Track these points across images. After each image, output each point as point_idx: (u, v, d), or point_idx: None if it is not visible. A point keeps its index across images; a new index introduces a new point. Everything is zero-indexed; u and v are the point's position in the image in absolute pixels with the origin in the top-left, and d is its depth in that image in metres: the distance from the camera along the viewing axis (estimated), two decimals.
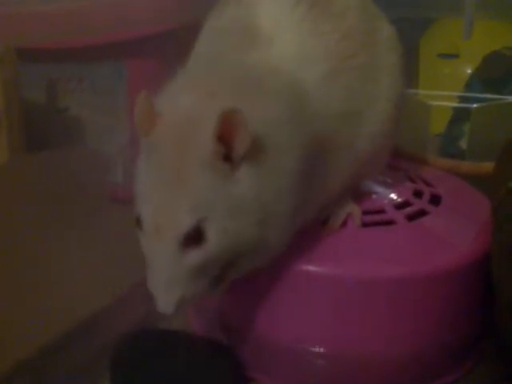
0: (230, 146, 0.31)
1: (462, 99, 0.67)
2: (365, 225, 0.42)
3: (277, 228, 0.35)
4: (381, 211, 0.43)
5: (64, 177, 0.45)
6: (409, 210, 0.43)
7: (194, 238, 0.31)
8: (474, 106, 0.60)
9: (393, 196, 0.45)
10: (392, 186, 0.46)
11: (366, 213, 0.43)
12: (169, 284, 0.32)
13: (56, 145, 0.59)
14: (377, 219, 0.42)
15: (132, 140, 0.59)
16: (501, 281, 0.38)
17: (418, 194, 0.46)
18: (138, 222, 0.32)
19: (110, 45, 0.58)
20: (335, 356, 0.39)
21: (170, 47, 0.57)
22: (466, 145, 0.63)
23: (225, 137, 0.31)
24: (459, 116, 0.67)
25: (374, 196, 0.45)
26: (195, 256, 0.32)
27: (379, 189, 0.46)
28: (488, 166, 0.47)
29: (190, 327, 0.44)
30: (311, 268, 0.38)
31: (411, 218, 0.43)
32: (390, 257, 0.39)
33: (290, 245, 0.37)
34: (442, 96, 0.66)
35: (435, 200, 0.45)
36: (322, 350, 0.39)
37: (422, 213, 0.43)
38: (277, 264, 0.38)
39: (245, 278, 0.37)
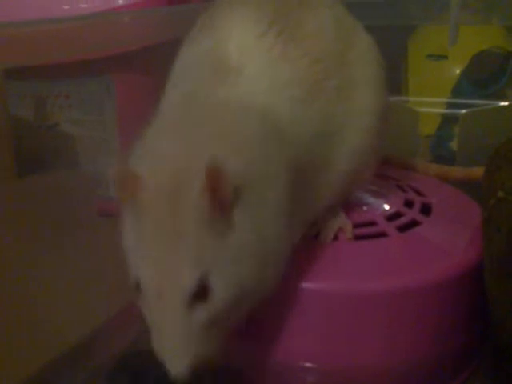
0: (220, 197, 0.30)
1: (451, 104, 0.67)
2: (356, 238, 0.42)
3: (276, 265, 0.34)
4: (372, 223, 0.43)
5: (53, 200, 0.45)
6: (400, 221, 0.43)
7: (199, 294, 0.30)
8: (463, 111, 0.60)
9: (384, 207, 0.45)
10: (382, 197, 0.46)
11: (357, 225, 0.43)
12: (179, 346, 0.31)
13: (45, 161, 0.58)
14: (368, 232, 0.42)
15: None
16: (493, 291, 0.38)
17: (408, 203, 0.46)
18: (137, 286, 0.31)
19: (98, 60, 0.58)
20: (328, 371, 0.39)
21: (157, 61, 0.57)
22: (457, 147, 0.63)
23: (214, 190, 0.30)
24: (449, 118, 0.67)
25: (365, 208, 0.45)
26: (203, 312, 0.31)
27: (370, 200, 0.46)
28: (478, 171, 0.47)
29: None
30: (303, 283, 0.38)
31: (403, 229, 0.43)
32: (384, 270, 0.39)
33: None
34: (431, 102, 0.67)
35: (426, 209, 0.45)
36: (313, 365, 0.38)
37: (413, 223, 0.43)
38: None
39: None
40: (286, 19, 0.39)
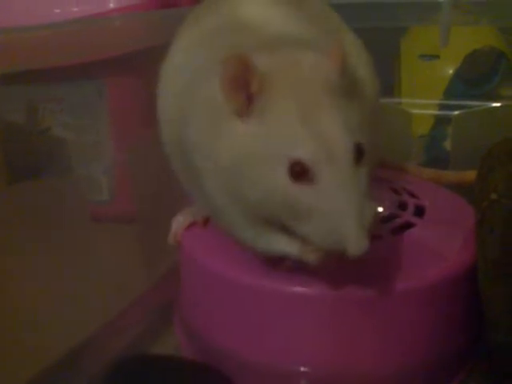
0: (343, 61, 0.33)
1: (444, 105, 0.67)
2: None
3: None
4: None
5: (45, 206, 0.45)
6: (394, 223, 0.43)
7: (358, 153, 0.31)
8: (455, 112, 0.61)
9: (377, 210, 0.45)
10: (376, 199, 0.46)
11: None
12: (360, 211, 0.31)
13: (37, 166, 0.58)
14: None
15: (116, 158, 0.59)
16: (487, 292, 0.38)
17: (402, 206, 0.46)
18: (293, 170, 0.31)
19: (89, 64, 0.57)
20: (322, 376, 0.38)
21: (149, 65, 0.57)
22: (450, 148, 0.63)
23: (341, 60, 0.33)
24: (443, 119, 0.67)
25: None
26: (364, 171, 0.32)
27: None
28: (471, 174, 0.47)
29: (181, 352, 0.44)
30: (295, 287, 0.38)
31: (397, 231, 0.43)
32: (377, 272, 0.39)
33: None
34: (424, 104, 0.67)
35: (420, 211, 0.45)
36: (308, 370, 0.38)
37: (407, 225, 0.43)
38: (262, 285, 0.38)
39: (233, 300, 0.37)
40: (290, 1, 0.40)
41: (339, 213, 0.31)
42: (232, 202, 0.35)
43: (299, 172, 0.31)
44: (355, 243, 0.30)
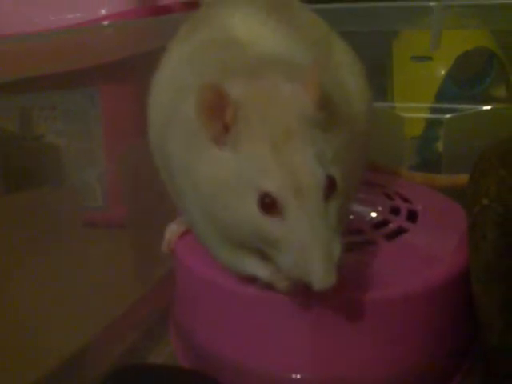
0: (321, 93, 0.32)
1: (436, 109, 0.67)
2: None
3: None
4: (359, 232, 0.43)
5: (39, 217, 0.45)
6: (387, 228, 0.44)
7: (329, 187, 0.31)
8: (447, 116, 0.61)
9: (370, 215, 0.45)
10: (369, 205, 0.46)
11: (343, 234, 0.43)
12: (328, 246, 0.31)
13: (31, 173, 0.58)
14: (355, 240, 0.42)
15: (109, 165, 0.59)
16: (479, 297, 0.38)
17: (395, 211, 0.46)
18: (263, 203, 0.31)
19: (81, 71, 0.57)
20: (315, 382, 0.39)
21: (142, 71, 0.57)
22: (442, 150, 0.63)
23: (316, 86, 0.32)
24: (435, 120, 0.68)
25: (351, 216, 0.45)
26: (335, 205, 0.32)
27: (356, 208, 0.46)
28: (463, 178, 0.47)
29: (177, 361, 0.44)
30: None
31: (390, 237, 0.43)
32: (371, 278, 0.39)
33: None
34: (416, 107, 0.67)
35: (413, 216, 0.45)
36: (301, 376, 0.38)
37: (400, 230, 0.44)
38: (255, 291, 0.38)
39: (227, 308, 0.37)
40: (280, 12, 0.40)
41: (305, 247, 0.31)
42: (208, 222, 0.35)
43: (268, 204, 0.31)
44: (321, 278, 0.31)
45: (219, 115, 0.32)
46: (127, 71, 0.59)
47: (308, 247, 0.31)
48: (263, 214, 0.31)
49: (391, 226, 0.44)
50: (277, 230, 0.31)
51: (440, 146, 0.67)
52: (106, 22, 0.59)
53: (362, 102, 0.42)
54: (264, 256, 0.34)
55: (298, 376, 0.38)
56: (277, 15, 0.39)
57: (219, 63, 0.36)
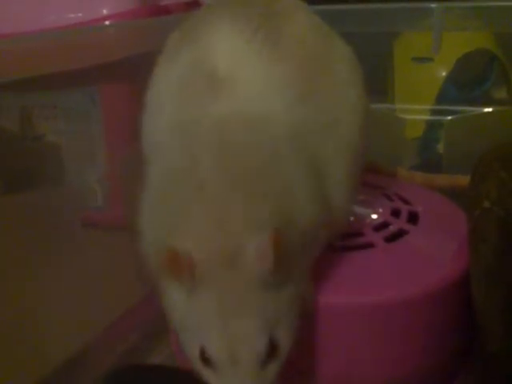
0: (279, 257, 0.31)
1: (437, 111, 0.67)
2: (344, 249, 0.42)
3: None
4: (359, 234, 0.43)
5: (39, 218, 0.45)
6: (387, 231, 0.44)
7: (270, 354, 0.31)
8: (447, 118, 0.61)
9: (370, 217, 0.45)
10: (369, 207, 0.46)
11: (343, 236, 0.43)
12: None
13: (31, 173, 0.58)
14: (356, 243, 0.42)
15: (110, 165, 0.59)
16: (480, 301, 0.38)
17: (395, 213, 0.46)
18: (203, 357, 0.32)
19: (82, 71, 0.57)
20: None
21: (142, 70, 0.57)
22: (443, 152, 0.63)
23: (277, 251, 0.31)
24: (436, 122, 0.68)
25: (352, 218, 0.45)
26: (273, 368, 0.32)
27: (356, 210, 0.46)
28: (463, 179, 0.47)
29: (176, 362, 0.44)
30: None
31: (390, 239, 0.43)
32: (371, 281, 0.39)
33: None
34: (417, 109, 0.67)
35: (413, 218, 0.45)
36: (305, 378, 0.39)
37: (401, 233, 0.44)
38: None
39: None
40: (267, 27, 0.39)
41: None
42: None
43: (206, 359, 0.32)
44: None
45: (178, 273, 0.31)
46: (128, 71, 0.58)
47: None
48: (203, 364, 0.32)
49: (392, 228, 0.44)
50: (211, 378, 0.32)
51: (441, 147, 0.67)
52: (107, 22, 0.59)
53: (357, 94, 0.41)
54: None
55: (303, 378, 0.38)
56: (264, 31, 0.38)
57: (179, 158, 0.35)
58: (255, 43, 0.38)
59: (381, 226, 0.44)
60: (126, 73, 0.59)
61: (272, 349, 0.31)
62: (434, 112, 0.69)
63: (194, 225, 0.32)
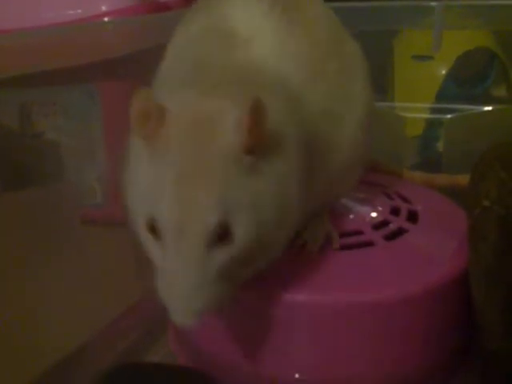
0: (256, 137, 0.30)
1: (436, 109, 0.67)
2: (343, 247, 0.42)
3: (287, 228, 0.35)
4: (359, 232, 0.43)
5: (38, 215, 0.45)
6: (387, 229, 0.43)
7: (220, 235, 0.30)
8: (447, 116, 0.61)
9: (370, 215, 0.45)
10: (369, 205, 0.46)
11: (343, 235, 0.43)
12: (193, 291, 0.30)
13: (31, 170, 0.58)
14: (355, 241, 0.42)
15: (109, 162, 0.59)
16: (480, 300, 0.38)
17: (395, 211, 0.46)
18: (150, 226, 0.30)
19: (81, 68, 0.57)
20: (318, 383, 0.39)
21: (142, 67, 0.57)
22: (443, 151, 0.63)
23: (254, 126, 0.29)
24: (436, 120, 0.68)
25: (351, 216, 0.45)
26: (222, 255, 0.30)
27: (356, 208, 0.46)
28: (463, 179, 0.47)
29: (175, 359, 0.44)
30: (288, 294, 0.38)
31: (390, 237, 0.43)
32: (371, 280, 0.39)
33: (267, 272, 0.36)
34: (417, 107, 0.67)
35: (413, 216, 0.45)
36: (300, 377, 0.38)
37: (400, 231, 0.43)
38: (255, 292, 0.38)
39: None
40: (285, 3, 0.39)
41: (170, 284, 0.30)
42: None
43: (152, 229, 0.31)
44: (174, 317, 0.30)
45: (146, 120, 0.30)
46: (128, 68, 0.58)
47: (171, 285, 0.30)
48: (149, 233, 0.31)
49: (391, 226, 0.44)
50: (154, 251, 0.31)
51: (440, 145, 0.67)
52: (106, 19, 0.59)
53: (363, 86, 0.42)
54: None
55: (300, 376, 0.38)
56: (281, 6, 0.38)
57: (192, 68, 0.35)
58: (272, 17, 0.38)
59: (380, 225, 0.44)
60: (125, 70, 0.58)
61: (223, 233, 0.30)
62: (433, 110, 0.69)
63: (179, 90, 0.32)
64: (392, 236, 0.43)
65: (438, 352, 0.40)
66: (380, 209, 0.46)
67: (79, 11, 0.60)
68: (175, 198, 0.30)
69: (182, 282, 0.30)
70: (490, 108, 0.63)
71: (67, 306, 0.44)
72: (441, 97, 0.72)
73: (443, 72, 0.74)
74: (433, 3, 0.56)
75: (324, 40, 0.40)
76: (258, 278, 0.36)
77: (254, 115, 0.29)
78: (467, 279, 0.39)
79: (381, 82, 0.74)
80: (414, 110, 0.68)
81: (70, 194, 0.51)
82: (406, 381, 0.39)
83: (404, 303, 0.38)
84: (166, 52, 0.40)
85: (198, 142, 0.30)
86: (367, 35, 0.48)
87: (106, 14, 0.60)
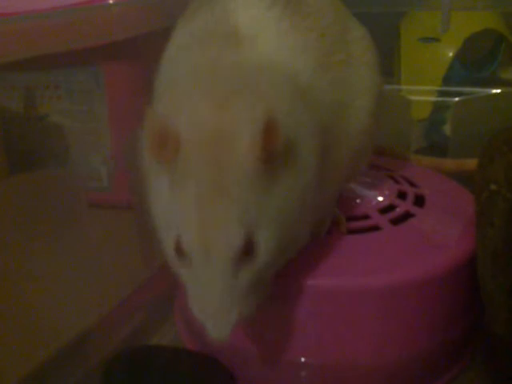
0: (271, 152, 0.30)
1: (443, 92, 0.67)
2: (350, 232, 0.42)
3: (306, 229, 0.36)
4: (365, 217, 0.43)
5: (44, 198, 0.45)
6: (393, 213, 0.43)
7: (246, 250, 0.30)
8: (455, 99, 0.60)
9: (377, 199, 0.45)
10: (375, 189, 0.46)
11: (350, 219, 0.43)
12: (225, 307, 0.31)
13: (36, 153, 0.58)
14: (361, 225, 0.42)
15: (114, 145, 0.59)
16: (487, 284, 0.38)
17: (402, 195, 0.46)
18: (177, 249, 0.31)
19: (86, 50, 0.57)
20: (320, 366, 0.39)
21: (147, 50, 0.56)
22: (450, 134, 0.63)
23: (268, 141, 0.30)
24: (443, 103, 0.67)
25: (358, 200, 0.45)
26: (249, 271, 0.31)
27: (363, 192, 0.45)
28: (471, 163, 0.47)
29: (181, 342, 0.44)
30: (295, 278, 0.38)
31: (396, 221, 0.43)
32: (377, 264, 0.39)
33: None
34: (424, 90, 0.66)
35: (420, 200, 0.45)
36: (306, 360, 0.39)
37: (407, 215, 0.43)
38: None
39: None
40: None
41: (203, 304, 0.31)
42: None
43: (179, 250, 0.31)
44: (212, 334, 0.31)
45: (162, 147, 0.30)
46: (133, 51, 0.58)
47: (204, 304, 0.31)
48: (176, 254, 0.31)
49: (398, 210, 0.44)
50: (184, 274, 0.32)
51: (447, 129, 0.66)
52: (111, 1, 0.58)
53: (371, 74, 0.41)
54: None
55: (306, 360, 0.38)
56: (282, 6, 0.38)
57: (198, 75, 0.35)
58: (275, 11, 0.37)
59: (387, 209, 0.44)
60: (130, 52, 0.58)
61: (249, 247, 0.30)
62: (440, 93, 0.69)
63: (190, 104, 0.32)
64: (399, 220, 0.43)
65: (445, 334, 0.40)
66: (387, 193, 0.46)
67: None
68: (198, 221, 0.30)
69: (214, 300, 0.31)
70: (497, 91, 0.62)
71: (73, 289, 0.44)
72: (448, 79, 0.72)
73: (450, 54, 0.73)
74: None
75: (330, 30, 0.39)
76: None
77: (268, 133, 0.29)
78: (474, 263, 0.39)
79: (387, 64, 0.73)
80: (421, 92, 0.68)
81: (76, 177, 0.51)
82: (409, 365, 0.40)
83: (410, 287, 0.38)
84: (167, 52, 0.40)
85: (214, 163, 0.30)
86: (373, 17, 0.47)
87: None
